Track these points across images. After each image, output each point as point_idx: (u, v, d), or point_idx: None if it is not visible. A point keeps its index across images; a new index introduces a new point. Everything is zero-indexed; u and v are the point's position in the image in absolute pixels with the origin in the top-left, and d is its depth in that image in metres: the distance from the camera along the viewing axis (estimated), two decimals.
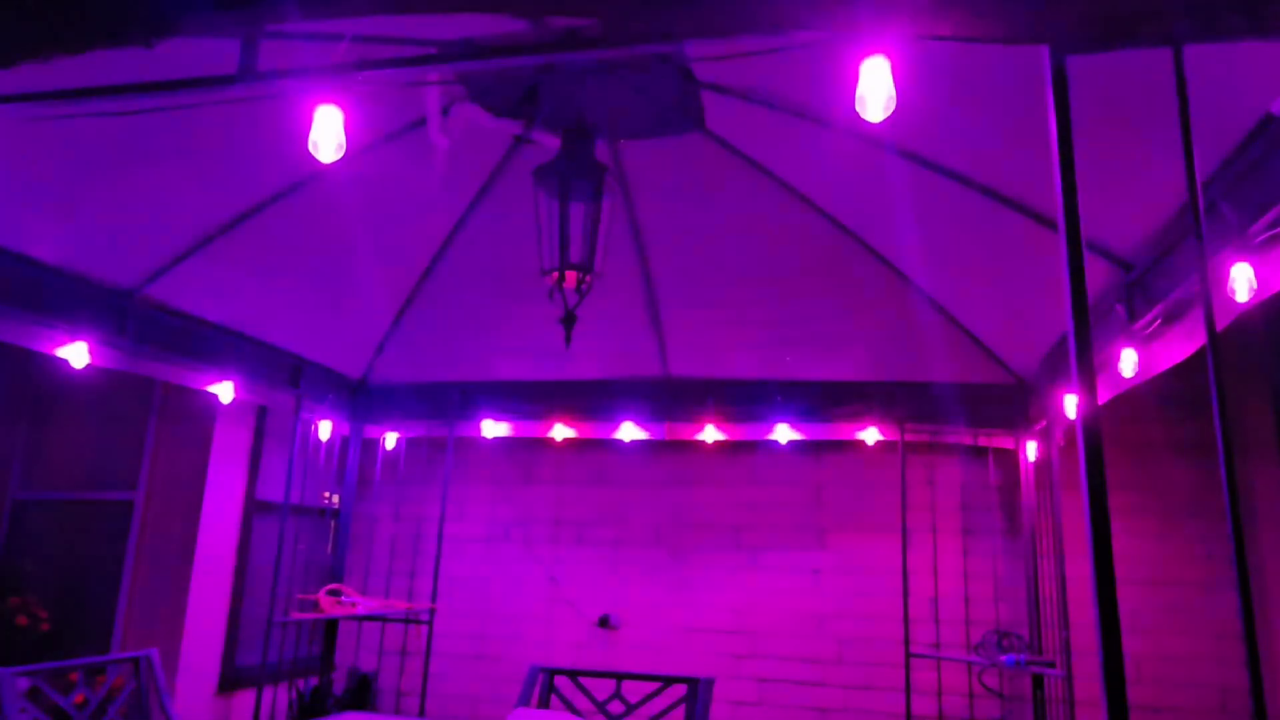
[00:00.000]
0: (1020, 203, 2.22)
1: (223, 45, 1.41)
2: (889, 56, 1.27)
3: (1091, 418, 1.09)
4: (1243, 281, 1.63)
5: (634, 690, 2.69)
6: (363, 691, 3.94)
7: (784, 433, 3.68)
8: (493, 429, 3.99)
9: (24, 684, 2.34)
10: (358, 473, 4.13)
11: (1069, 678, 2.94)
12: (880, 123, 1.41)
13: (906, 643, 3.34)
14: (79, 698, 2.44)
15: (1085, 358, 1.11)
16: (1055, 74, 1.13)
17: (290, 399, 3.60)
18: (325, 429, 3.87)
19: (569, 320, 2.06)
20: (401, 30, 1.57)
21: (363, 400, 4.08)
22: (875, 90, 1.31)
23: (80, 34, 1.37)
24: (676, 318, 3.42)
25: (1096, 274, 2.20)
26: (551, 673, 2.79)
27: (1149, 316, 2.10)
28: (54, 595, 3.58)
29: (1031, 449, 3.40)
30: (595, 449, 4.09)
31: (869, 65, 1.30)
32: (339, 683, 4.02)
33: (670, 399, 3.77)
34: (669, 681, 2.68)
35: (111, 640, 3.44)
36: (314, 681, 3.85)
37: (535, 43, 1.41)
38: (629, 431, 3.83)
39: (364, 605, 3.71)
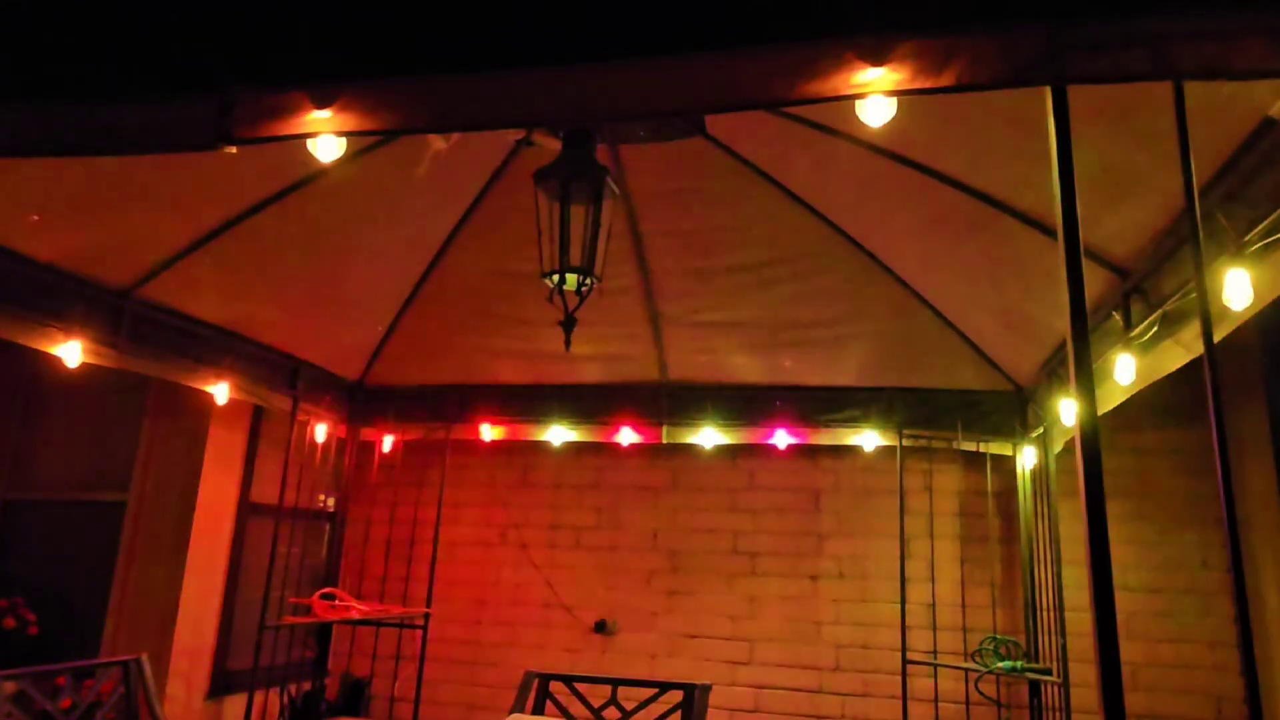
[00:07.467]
0: (1019, 209, 2.23)
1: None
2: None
3: (1090, 425, 1.09)
4: (1239, 289, 1.64)
5: (630, 696, 2.67)
6: (356, 697, 3.91)
7: (782, 438, 3.68)
8: (490, 432, 3.98)
9: (10, 687, 2.31)
10: (354, 475, 4.10)
11: (1066, 685, 2.93)
12: (879, 128, 1.42)
13: (904, 650, 3.33)
14: (66, 702, 2.41)
15: (1084, 365, 1.11)
16: (1056, 94, 1.14)
17: (287, 400, 3.58)
18: (321, 431, 3.85)
19: (569, 323, 2.06)
20: None
21: (360, 402, 4.06)
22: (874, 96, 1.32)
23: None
24: (676, 322, 3.42)
25: (1093, 281, 2.21)
26: (547, 678, 2.77)
27: (1146, 324, 2.11)
28: (43, 598, 3.55)
29: (1029, 456, 3.41)
30: (593, 453, 4.07)
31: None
32: (332, 688, 3.99)
33: (669, 403, 3.76)
34: (665, 688, 2.66)
35: (101, 644, 3.41)
36: (306, 687, 3.82)
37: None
38: (627, 436, 3.82)
39: (358, 609, 3.68)
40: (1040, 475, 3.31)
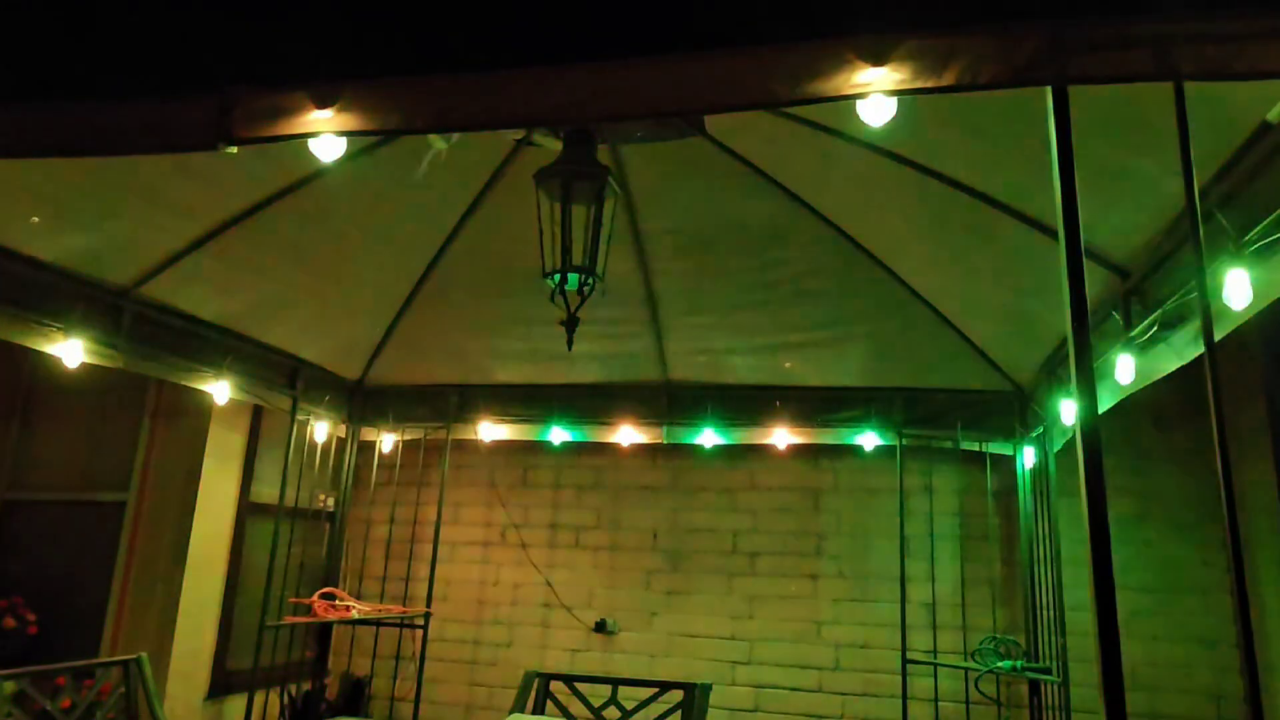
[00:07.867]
0: (1018, 209, 2.23)
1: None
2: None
3: (1091, 425, 1.09)
4: (1239, 289, 1.64)
5: (630, 696, 2.67)
6: (356, 697, 3.91)
7: (783, 438, 3.68)
8: (490, 432, 3.98)
9: (10, 687, 2.31)
10: (354, 475, 4.10)
11: (1066, 685, 2.93)
12: (880, 128, 1.42)
13: (904, 649, 3.33)
14: (66, 702, 2.41)
15: (1085, 365, 1.11)
16: (1056, 94, 1.14)
17: (287, 400, 3.58)
18: (321, 431, 3.85)
19: (571, 323, 2.06)
20: None
21: (360, 402, 4.06)
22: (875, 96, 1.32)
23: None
24: (676, 322, 3.42)
25: (1093, 281, 2.20)
26: (547, 678, 2.78)
27: (1146, 324, 2.11)
28: (43, 598, 3.55)
29: (1029, 455, 3.41)
30: (593, 453, 4.08)
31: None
32: (332, 688, 3.99)
33: (669, 403, 3.76)
34: (665, 687, 2.66)
35: (101, 644, 3.41)
36: (306, 687, 3.82)
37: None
38: (627, 436, 3.82)
39: (358, 609, 3.68)
40: (1040, 475, 3.32)
